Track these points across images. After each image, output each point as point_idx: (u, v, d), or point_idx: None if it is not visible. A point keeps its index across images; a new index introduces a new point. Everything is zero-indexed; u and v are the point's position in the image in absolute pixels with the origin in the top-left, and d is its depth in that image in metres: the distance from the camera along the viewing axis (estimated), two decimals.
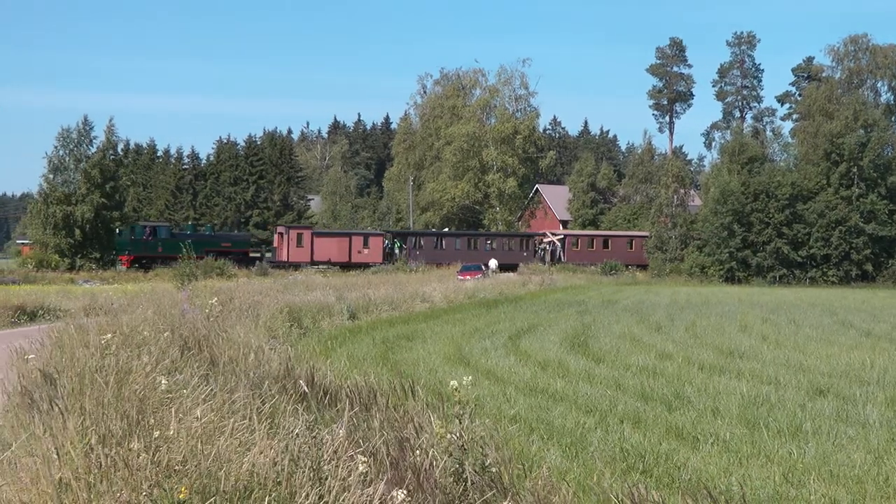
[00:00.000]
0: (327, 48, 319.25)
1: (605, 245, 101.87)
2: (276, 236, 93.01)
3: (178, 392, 10.90)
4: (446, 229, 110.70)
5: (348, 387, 13.69)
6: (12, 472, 9.30)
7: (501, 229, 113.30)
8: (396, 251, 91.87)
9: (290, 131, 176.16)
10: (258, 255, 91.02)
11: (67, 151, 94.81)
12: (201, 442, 8.56)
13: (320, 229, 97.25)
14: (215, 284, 42.93)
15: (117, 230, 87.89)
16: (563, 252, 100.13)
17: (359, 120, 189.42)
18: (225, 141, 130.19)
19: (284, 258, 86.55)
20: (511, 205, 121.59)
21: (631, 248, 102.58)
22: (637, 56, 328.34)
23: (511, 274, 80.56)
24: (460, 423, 10.00)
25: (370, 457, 9.25)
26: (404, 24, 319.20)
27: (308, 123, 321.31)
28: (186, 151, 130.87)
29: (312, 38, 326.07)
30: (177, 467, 8.19)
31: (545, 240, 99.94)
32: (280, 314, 29.74)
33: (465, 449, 9.65)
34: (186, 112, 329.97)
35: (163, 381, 10.83)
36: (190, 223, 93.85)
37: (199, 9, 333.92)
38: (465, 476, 9.49)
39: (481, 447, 9.95)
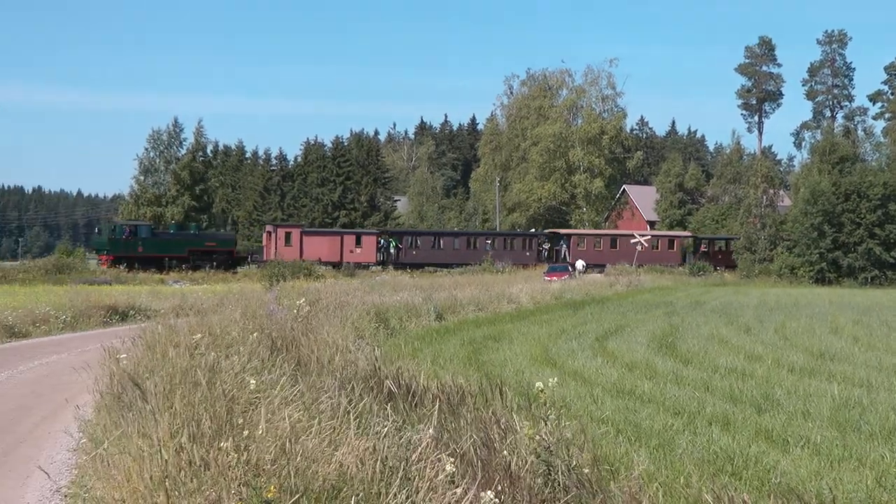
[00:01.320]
0: (414, 49, 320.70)
1: (614, 245, 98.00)
2: (264, 235, 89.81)
3: (266, 392, 10.98)
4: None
5: (435, 387, 13.69)
6: (105, 469, 9.44)
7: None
8: (392, 251, 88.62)
9: (376, 132, 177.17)
10: (246, 255, 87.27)
11: (158, 153, 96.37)
12: (290, 441, 8.61)
13: (310, 228, 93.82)
14: (302, 285, 43.21)
15: (96, 229, 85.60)
16: (569, 252, 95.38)
17: (445, 121, 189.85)
18: (312, 142, 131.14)
19: (272, 257, 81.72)
20: (598, 205, 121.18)
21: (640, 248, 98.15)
22: (725, 55, 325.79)
23: (598, 275, 79.90)
24: (546, 424, 9.96)
25: (458, 458, 9.25)
26: (490, 25, 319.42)
27: (395, 124, 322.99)
28: (274, 153, 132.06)
29: (399, 40, 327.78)
30: (265, 466, 8.25)
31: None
32: (367, 315, 29.85)
33: (551, 450, 9.62)
34: (274, 114, 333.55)
35: (251, 381, 10.91)
36: (174, 222, 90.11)
37: (287, 12, 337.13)
38: (552, 477, 9.45)
39: (568, 448, 9.90)
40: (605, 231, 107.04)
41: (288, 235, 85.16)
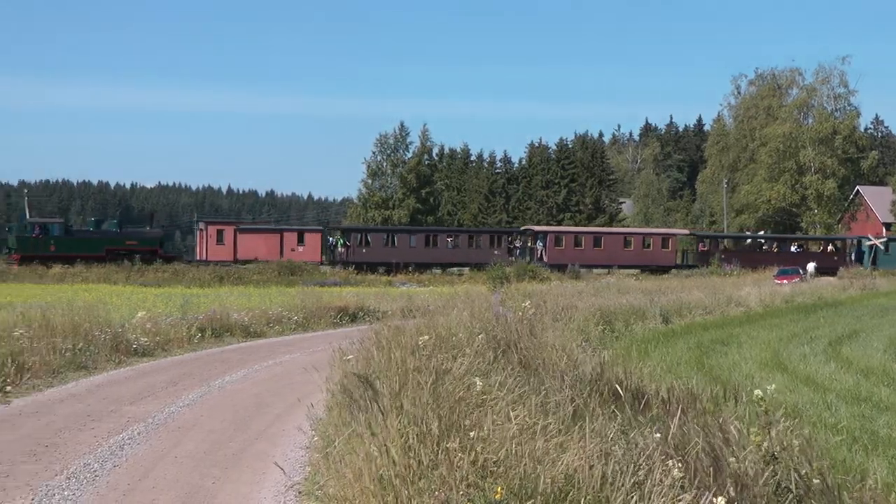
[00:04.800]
0: (638, 51, 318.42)
1: (598, 244, 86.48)
2: (197, 233, 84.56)
3: (492, 393, 11.02)
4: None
5: (662, 391, 13.54)
6: (337, 467, 9.64)
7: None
8: (340, 249, 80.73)
9: (601, 134, 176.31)
10: (174, 256, 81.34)
11: (385, 157, 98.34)
12: (517, 443, 8.62)
13: (246, 225, 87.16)
14: (527, 287, 43.37)
15: (7, 227, 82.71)
16: (546, 252, 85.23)
17: (671, 122, 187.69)
18: (537, 145, 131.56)
19: (203, 257, 78.27)
20: (830, 207, 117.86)
21: (630, 247, 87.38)
22: None
23: (832, 278, 77.37)
24: (776, 431, 9.74)
25: (684, 462, 9.12)
26: (717, 24, 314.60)
27: (619, 126, 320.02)
28: (499, 155, 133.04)
29: (623, 42, 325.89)
30: (492, 468, 8.27)
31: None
32: (593, 317, 29.75)
33: (781, 458, 9.40)
34: (499, 116, 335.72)
35: (478, 383, 10.97)
36: (92, 219, 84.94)
37: (510, 14, 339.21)
38: (782, 486, 9.23)
39: (799, 456, 9.65)
40: (588, 228, 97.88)
41: (220, 233, 79.32)
